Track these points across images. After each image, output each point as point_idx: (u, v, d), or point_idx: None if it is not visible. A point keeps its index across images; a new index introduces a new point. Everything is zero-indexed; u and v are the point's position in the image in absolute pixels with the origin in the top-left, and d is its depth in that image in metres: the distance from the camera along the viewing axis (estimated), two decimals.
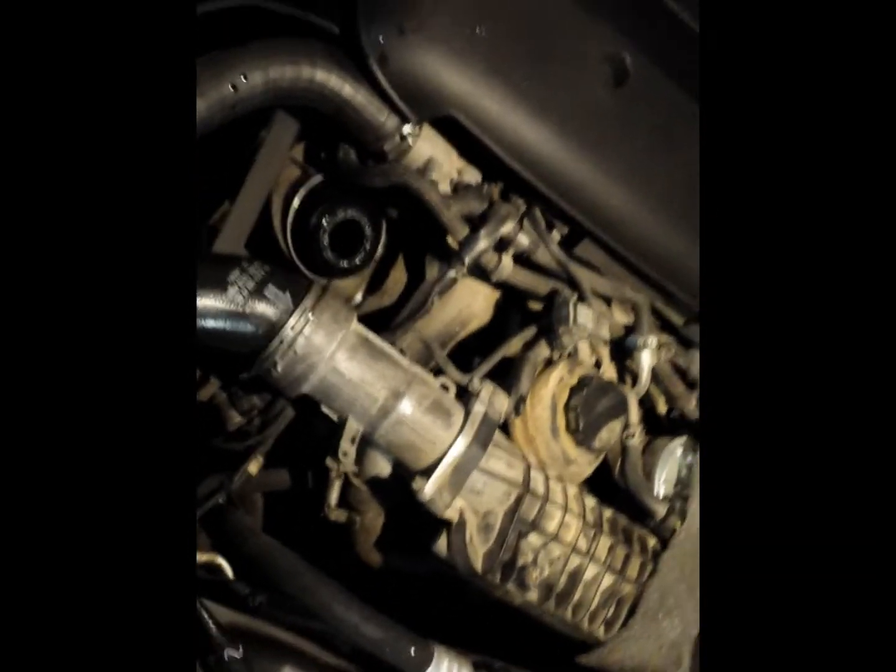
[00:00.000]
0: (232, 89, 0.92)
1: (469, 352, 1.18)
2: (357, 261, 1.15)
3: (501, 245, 1.08)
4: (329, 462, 1.00)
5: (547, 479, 1.06)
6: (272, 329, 0.93)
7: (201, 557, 1.01)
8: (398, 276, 1.21)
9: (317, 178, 1.13)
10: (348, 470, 1.02)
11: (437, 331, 1.18)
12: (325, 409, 0.99)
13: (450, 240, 1.10)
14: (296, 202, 1.12)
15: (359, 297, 1.21)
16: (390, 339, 1.04)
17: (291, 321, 0.93)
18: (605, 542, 1.06)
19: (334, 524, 1.10)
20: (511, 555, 1.01)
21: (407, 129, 1.03)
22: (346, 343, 0.96)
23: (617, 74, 1.04)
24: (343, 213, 1.12)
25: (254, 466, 1.04)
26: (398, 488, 1.02)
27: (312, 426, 1.05)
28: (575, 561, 1.04)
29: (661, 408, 1.23)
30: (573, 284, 1.14)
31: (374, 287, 1.22)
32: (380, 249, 1.17)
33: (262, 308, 0.93)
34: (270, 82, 0.95)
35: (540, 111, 1.03)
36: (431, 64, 0.99)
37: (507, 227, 1.07)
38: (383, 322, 1.10)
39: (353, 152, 1.08)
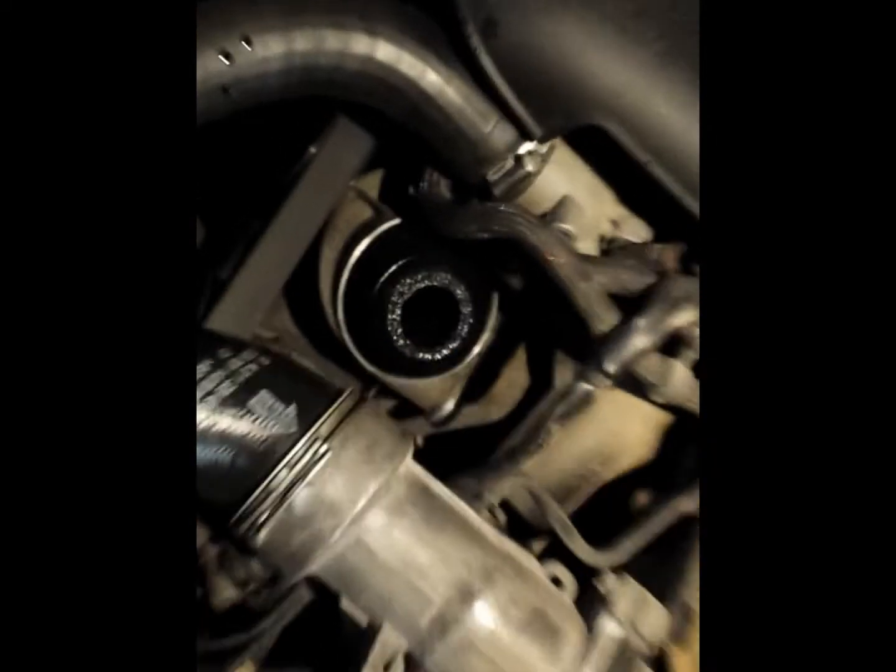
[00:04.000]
0: (224, 60, 0.55)
1: (613, 508, 0.75)
2: (445, 352, 0.75)
3: (673, 345, 0.64)
4: None
5: None
6: (257, 466, 0.55)
7: None
8: (513, 378, 0.80)
9: (392, 222, 0.75)
10: None
11: (563, 471, 0.75)
12: (346, 607, 0.58)
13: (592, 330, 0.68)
14: (356, 254, 0.74)
15: (450, 405, 0.80)
16: (475, 488, 0.64)
17: (290, 455, 0.54)
18: None
19: None
20: None
21: (526, 147, 0.63)
22: (386, 498, 0.57)
23: None
24: (427, 278, 0.73)
25: None
26: None
27: (339, 620, 0.65)
28: None
29: None
30: None
31: (475, 392, 0.80)
32: (485, 335, 0.76)
33: (243, 428, 0.55)
34: (296, 56, 0.58)
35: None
36: (571, 36, 0.58)
37: (685, 317, 0.63)
38: (487, 447, 0.70)
39: (444, 184, 0.68)
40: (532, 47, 0.59)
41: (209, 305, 0.69)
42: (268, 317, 0.76)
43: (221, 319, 0.66)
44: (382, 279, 0.74)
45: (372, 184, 0.77)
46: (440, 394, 0.79)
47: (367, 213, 0.76)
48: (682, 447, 0.78)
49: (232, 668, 0.64)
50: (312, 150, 0.72)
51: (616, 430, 0.76)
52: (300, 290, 0.76)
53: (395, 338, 0.73)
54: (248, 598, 0.69)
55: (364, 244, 0.74)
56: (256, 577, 0.68)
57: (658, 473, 0.78)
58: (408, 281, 0.73)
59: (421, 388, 0.77)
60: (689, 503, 0.70)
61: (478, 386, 0.80)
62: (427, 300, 0.74)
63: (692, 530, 0.69)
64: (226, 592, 0.68)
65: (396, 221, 0.75)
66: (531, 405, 0.74)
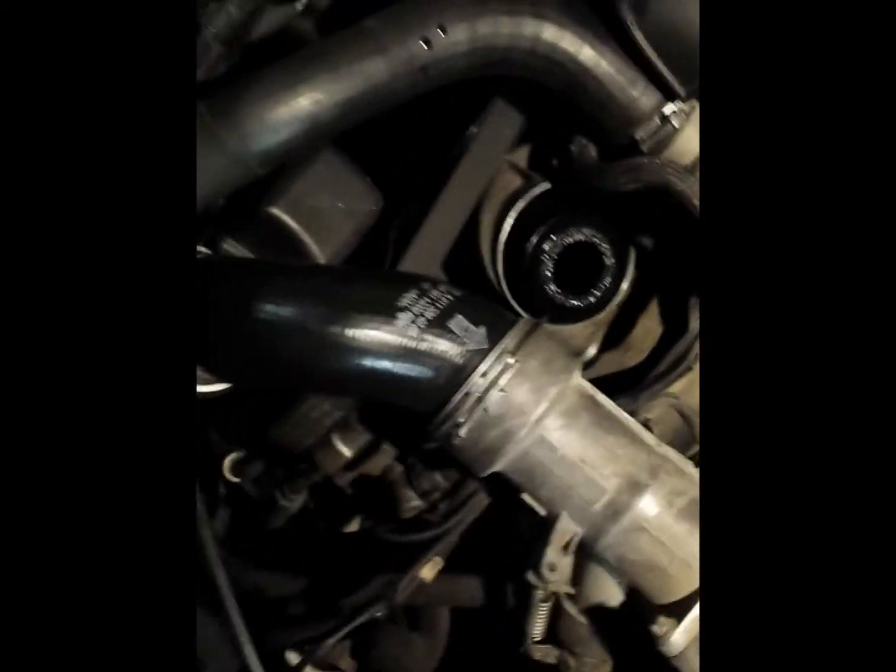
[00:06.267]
0: (424, 45, 0.67)
1: None
2: (592, 298, 0.84)
3: None
4: (531, 577, 0.68)
5: None
6: (457, 376, 0.65)
7: None
8: (650, 326, 0.89)
9: (542, 187, 0.85)
10: (560, 590, 0.70)
11: None
12: (527, 499, 0.68)
13: None
14: (511, 217, 0.84)
15: (592, 350, 0.89)
16: (631, 405, 0.73)
17: (483, 366, 0.65)
18: None
19: (540, 664, 0.78)
20: None
21: (671, 108, 0.73)
22: (563, 403, 0.66)
23: None
24: (575, 233, 0.83)
25: (429, 570, 0.75)
26: (633, 626, 0.69)
27: (516, 520, 0.75)
28: None
29: None
30: None
31: (614, 339, 0.90)
32: (625, 286, 0.86)
33: (444, 346, 0.65)
34: (479, 40, 0.69)
35: None
36: None
37: None
38: (626, 387, 0.79)
39: (592, 147, 0.79)
40: (676, 21, 0.69)
41: (393, 261, 0.81)
42: None
43: (410, 265, 0.78)
44: (535, 237, 0.84)
45: (522, 156, 0.88)
46: (584, 340, 0.89)
47: (518, 181, 0.87)
48: None
49: (424, 561, 0.75)
50: (473, 129, 0.83)
51: None
52: (461, 255, 0.87)
53: (547, 287, 0.84)
54: (428, 510, 0.80)
55: (519, 207, 0.84)
56: (439, 487, 0.79)
57: None
58: (557, 238, 0.84)
59: (567, 333, 0.87)
60: None
61: (617, 333, 0.90)
62: (574, 255, 0.85)
63: None
64: (412, 502, 0.80)
65: (546, 187, 0.85)
66: (665, 351, 0.84)
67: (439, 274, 0.81)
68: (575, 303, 0.84)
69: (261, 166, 0.68)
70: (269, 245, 0.79)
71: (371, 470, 0.82)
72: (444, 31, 0.68)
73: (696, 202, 0.71)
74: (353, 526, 0.93)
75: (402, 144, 0.87)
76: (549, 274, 0.83)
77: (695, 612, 0.63)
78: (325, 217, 0.81)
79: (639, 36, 0.70)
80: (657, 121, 0.73)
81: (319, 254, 0.80)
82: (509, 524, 0.77)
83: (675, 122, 0.73)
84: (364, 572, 0.82)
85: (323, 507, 0.91)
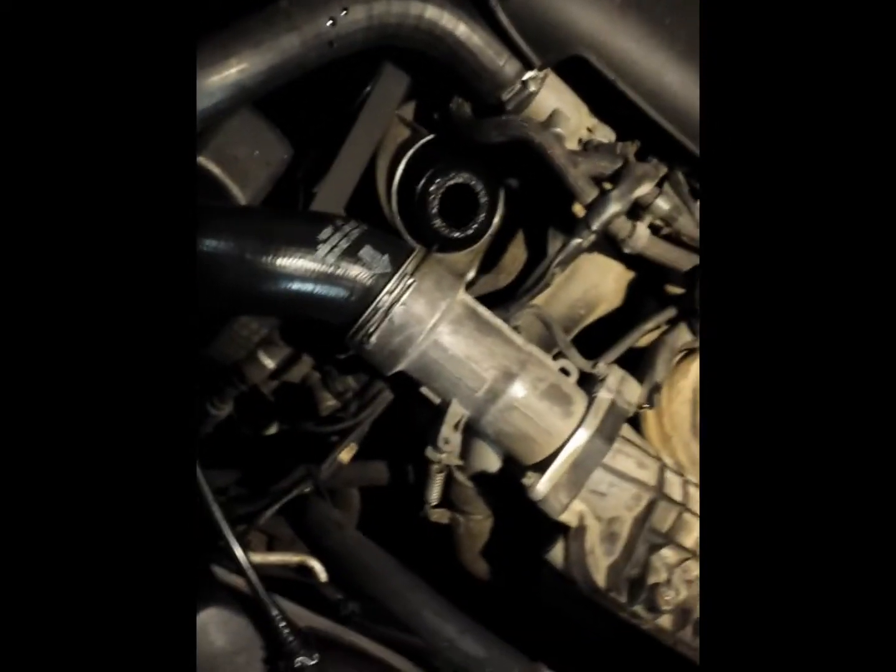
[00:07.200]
0: (330, 23, 0.82)
1: (596, 340, 1.03)
2: (470, 231, 1.02)
3: (636, 211, 0.93)
4: (429, 453, 0.86)
5: (686, 482, 0.90)
6: (367, 295, 0.82)
7: (293, 558, 0.90)
8: (516, 253, 1.08)
9: (427, 138, 1.02)
10: (451, 463, 0.88)
11: (560, 313, 1.04)
12: (425, 391, 0.86)
13: (576, 208, 0.96)
14: (403, 164, 1.01)
15: (471, 273, 1.08)
16: (504, 315, 0.91)
17: (389, 286, 0.81)
18: None
19: (436, 525, 0.97)
20: (640, 571, 0.85)
21: (529, 74, 0.90)
22: (451, 314, 0.83)
23: None
24: (455, 176, 1.00)
25: (346, 454, 0.93)
26: (508, 486, 0.88)
27: (414, 411, 0.93)
28: None
29: None
30: None
31: (488, 263, 1.09)
32: (496, 220, 1.04)
33: (356, 271, 0.81)
34: (374, 18, 0.84)
35: (687, 53, 0.87)
36: None
37: (644, 189, 0.91)
38: (499, 303, 0.98)
39: (467, 105, 0.96)
40: (533, 5, 0.86)
41: (305, 203, 0.96)
42: None
43: (321, 205, 0.94)
44: (423, 180, 1.01)
45: (409, 111, 1.04)
46: (465, 265, 1.07)
47: (407, 133, 1.03)
48: (643, 297, 1.08)
49: (343, 446, 0.92)
50: (368, 89, 0.99)
51: (596, 283, 1.04)
52: (362, 197, 1.03)
53: (433, 222, 1.01)
54: (342, 408, 0.97)
55: (408, 155, 1.01)
56: (351, 388, 0.96)
57: (627, 315, 1.07)
58: (441, 180, 1.01)
59: (452, 259, 1.05)
60: (649, 328, 0.99)
61: (491, 259, 1.09)
62: (455, 195, 1.02)
63: (655, 342, 0.98)
64: (328, 402, 0.96)
65: (431, 137, 1.02)
66: (529, 272, 1.03)
67: (344, 213, 0.97)
68: (457, 234, 1.02)
69: (198, 124, 0.82)
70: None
71: (292, 378, 0.99)
72: (346, 11, 0.83)
73: (549, 151, 0.89)
74: (273, 429, 1.09)
75: (307, 100, 1.01)
76: (435, 211, 1.01)
77: (554, 466, 0.83)
78: (244, 165, 0.95)
79: (503, 17, 0.86)
80: (519, 85, 0.90)
81: (241, 196, 0.94)
82: (409, 415, 0.95)
83: (532, 87, 0.90)
84: (289, 462, 0.98)
85: (247, 414, 1.07)
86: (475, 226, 1.03)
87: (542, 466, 0.83)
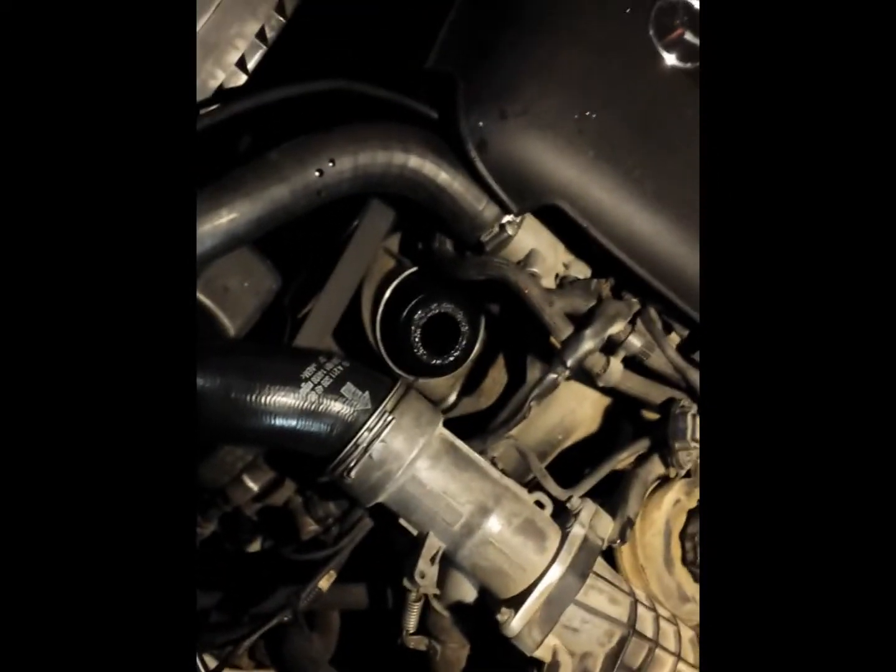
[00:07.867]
0: (318, 174, 0.87)
1: (572, 465, 1.06)
2: (451, 358, 1.06)
3: (610, 346, 0.97)
4: (406, 583, 0.88)
5: (657, 618, 0.91)
6: (347, 430, 0.85)
7: None
8: (496, 377, 1.12)
9: (411, 271, 1.06)
10: (428, 592, 0.90)
11: (536, 439, 1.07)
12: (403, 523, 0.89)
13: (553, 339, 1.00)
14: (387, 294, 1.05)
15: (452, 398, 1.11)
16: (481, 446, 0.94)
17: (369, 423, 0.84)
18: None
19: (413, 652, 0.98)
20: None
21: (507, 219, 0.95)
22: (429, 449, 0.86)
23: None
24: (437, 307, 1.04)
25: (325, 581, 0.94)
26: (484, 618, 0.90)
27: (393, 539, 0.95)
28: None
29: None
30: (693, 394, 1.01)
31: (469, 388, 1.12)
32: (477, 347, 1.08)
33: (338, 407, 0.85)
34: (360, 168, 0.89)
35: (655, 202, 0.92)
36: (535, 150, 0.91)
37: (617, 327, 0.96)
38: (480, 426, 1.01)
39: (448, 243, 1.00)
40: (510, 157, 0.91)
41: (292, 334, 1.00)
42: None
43: (305, 340, 0.97)
44: (406, 310, 1.05)
45: (394, 243, 1.08)
46: (446, 389, 1.10)
47: (392, 264, 1.08)
48: (619, 423, 1.11)
49: (322, 575, 0.94)
50: (355, 222, 1.03)
51: (573, 409, 1.08)
52: (348, 325, 1.07)
53: (416, 350, 1.04)
54: (323, 533, 0.99)
55: (393, 285, 1.05)
56: (332, 514, 0.98)
57: (603, 441, 1.11)
58: (424, 310, 1.05)
59: (433, 385, 1.08)
60: (624, 457, 1.02)
61: (472, 383, 1.12)
62: (437, 324, 1.06)
63: (628, 475, 1.01)
64: (310, 527, 0.99)
65: (413, 269, 1.06)
66: (510, 395, 1.06)
67: (331, 341, 1.01)
68: (438, 362, 1.06)
69: None
70: None
71: (275, 501, 1.01)
72: (333, 162, 0.88)
73: (526, 291, 0.94)
74: (255, 546, 1.11)
75: (297, 231, 1.06)
76: (418, 340, 1.04)
77: (527, 603, 0.85)
78: (234, 295, 0.99)
79: (481, 167, 0.91)
80: (497, 228, 0.95)
81: (230, 326, 0.98)
82: (388, 543, 0.97)
83: (509, 231, 0.95)
84: (269, 586, 1.00)
85: (230, 533, 1.09)
86: (456, 353, 1.06)
87: (516, 602, 0.85)
